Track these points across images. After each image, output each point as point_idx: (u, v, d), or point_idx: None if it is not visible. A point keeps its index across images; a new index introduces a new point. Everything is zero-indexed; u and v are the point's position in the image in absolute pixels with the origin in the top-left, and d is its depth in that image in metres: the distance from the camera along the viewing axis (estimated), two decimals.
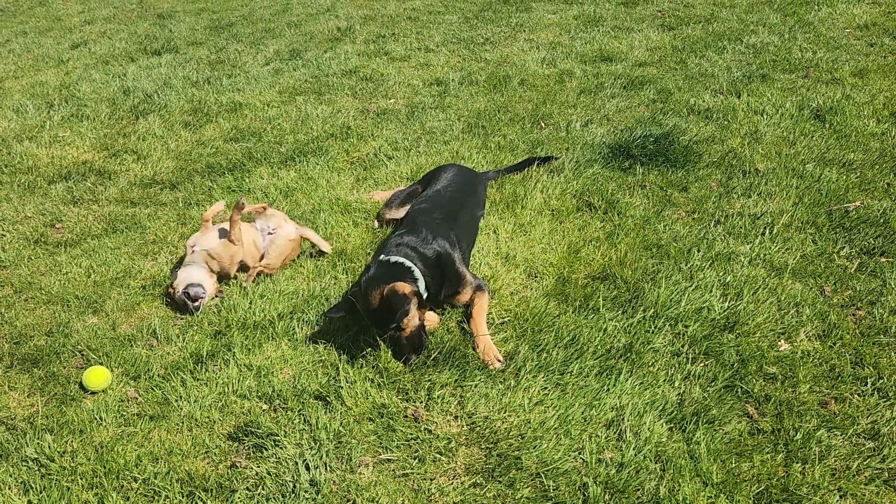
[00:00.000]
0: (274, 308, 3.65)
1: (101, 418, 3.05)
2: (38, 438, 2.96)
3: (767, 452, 2.68)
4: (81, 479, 2.77)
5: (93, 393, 3.22)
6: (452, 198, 4.02)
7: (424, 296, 3.31)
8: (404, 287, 3.17)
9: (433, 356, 3.21)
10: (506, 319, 3.44)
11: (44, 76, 7.94)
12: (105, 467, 2.80)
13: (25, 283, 4.08)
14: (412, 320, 3.16)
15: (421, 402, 3.00)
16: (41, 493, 2.73)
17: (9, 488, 2.76)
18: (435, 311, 3.52)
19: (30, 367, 3.41)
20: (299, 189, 4.84)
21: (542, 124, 5.54)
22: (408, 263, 3.36)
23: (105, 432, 2.99)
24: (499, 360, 3.17)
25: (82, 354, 3.47)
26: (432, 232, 3.61)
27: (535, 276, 3.77)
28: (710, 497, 2.54)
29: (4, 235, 4.61)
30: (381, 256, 3.43)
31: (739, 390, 2.96)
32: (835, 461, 2.62)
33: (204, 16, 10.31)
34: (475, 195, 4.20)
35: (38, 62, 8.57)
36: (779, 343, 3.18)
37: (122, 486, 2.74)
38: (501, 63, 7.00)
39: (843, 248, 3.75)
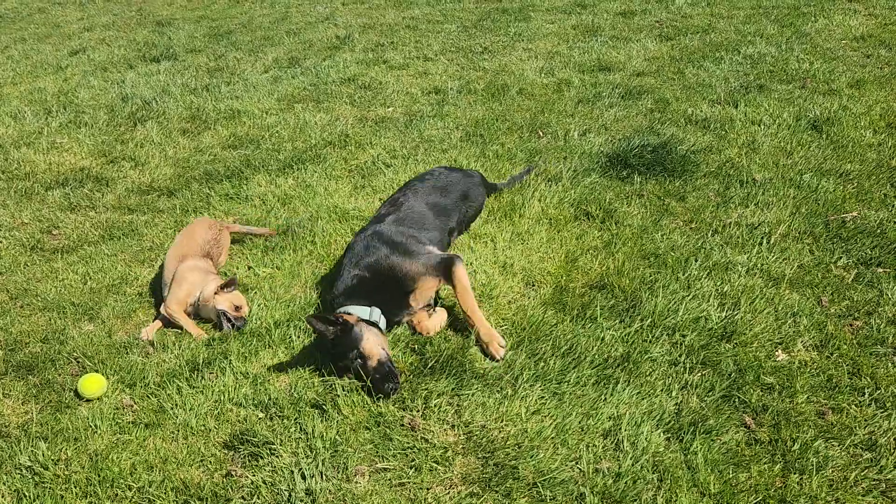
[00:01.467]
0: (271, 316, 3.64)
1: (95, 426, 3.04)
2: (32, 446, 2.94)
3: (765, 463, 2.67)
4: (75, 487, 2.75)
5: (88, 400, 3.20)
6: (400, 191, 4.09)
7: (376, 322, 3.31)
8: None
9: (430, 365, 3.20)
10: (503, 328, 3.43)
11: (42, 83, 7.94)
12: (99, 475, 2.78)
13: (21, 289, 4.07)
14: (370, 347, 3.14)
15: (417, 411, 2.98)
16: (34, 501, 2.71)
17: (2, 496, 2.74)
18: (430, 310, 3.53)
19: (25, 375, 3.39)
20: (297, 197, 4.84)
21: (541, 133, 5.55)
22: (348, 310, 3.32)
23: (100, 440, 2.97)
24: (501, 347, 3.20)
25: (78, 362, 3.45)
26: (365, 246, 3.56)
27: (533, 285, 3.76)
28: None
29: (1, 242, 4.60)
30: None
31: (737, 400, 2.95)
32: (832, 472, 2.61)
33: (203, 23, 10.33)
34: (430, 179, 4.16)
35: (37, 69, 8.57)
36: (776, 353, 3.17)
37: (117, 495, 2.72)
38: (500, 72, 7.02)
39: (841, 258, 3.76)
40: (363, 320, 3.25)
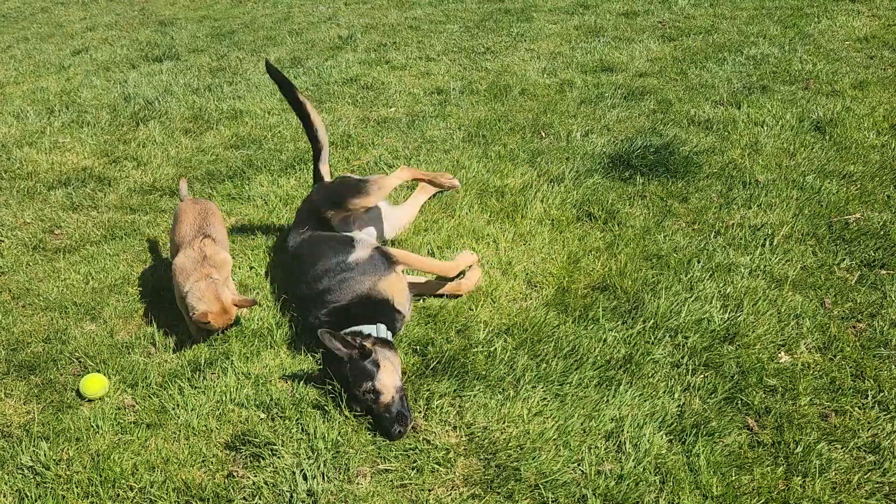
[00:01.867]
0: (273, 316, 3.64)
1: (97, 426, 3.04)
2: (33, 446, 2.94)
3: (768, 465, 2.67)
4: (77, 487, 2.75)
5: (90, 400, 3.20)
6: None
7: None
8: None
9: (431, 366, 3.20)
10: (505, 328, 3.43)
11: (45, 82, 7.95)
12: (101, 476, 2.78)
13: (23, 289, 4.07)
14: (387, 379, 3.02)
15: (419, 412, 2.98)
16: (36, 501, 2.71)
17: (3, 496, 2.74)
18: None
19: (27, 374, 3.39)
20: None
21: (543, 134, 5.54)
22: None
23: (101, 440, 2.97)
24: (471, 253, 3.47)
25: (80, 361, 3.45)
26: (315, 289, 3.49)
27: (535, 286, 3.76)
28: None
29: (3, 241, 4.60)
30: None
31: (739, 402, 2.94)
32: (835, 475, 2.60)
33: (205, 23, 10.34)
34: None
35: (40, 68, 8.58)
36: (779, 355, 3.17)
37: (118, 495, 2.72)
38: (502, 72, 7.02)
39: (844, 260, 3.75)
40: (379, 339, 3.15)
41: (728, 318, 3.37)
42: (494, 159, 5.15)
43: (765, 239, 3.95)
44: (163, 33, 9.83)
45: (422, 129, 5.82)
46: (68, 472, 2.82)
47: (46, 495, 2.73)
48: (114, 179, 5.38)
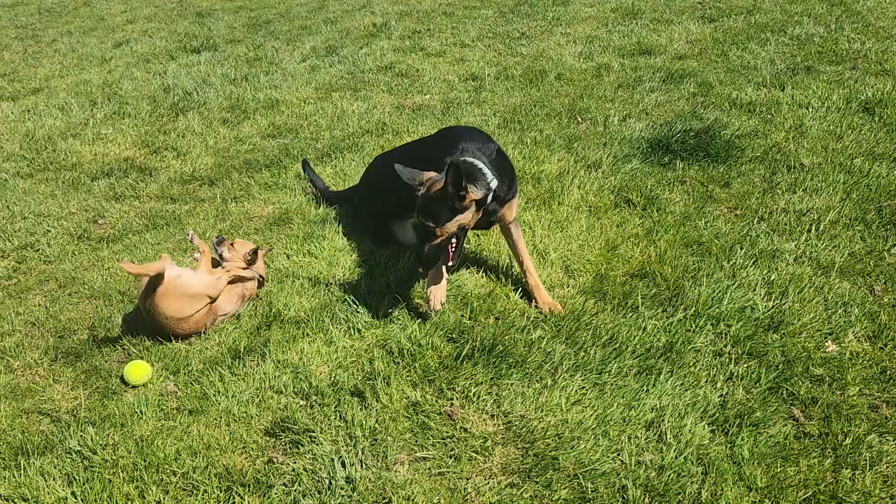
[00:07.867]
0: (308, 303, 3.66)
1: (141, 412, 3.10)
2: (80, 431, 3.02)
3: (815, 457, 2.60)
4: (122, 471, 2.81)
5: (133, 387, 3.27)
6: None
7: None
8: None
9: (465, 352, 3.18)
10: (542, 316, 3.40)
11: (87, 75, 8.10)
12: (145, 461, 2.83)
13: (69, 277, 4.17)
14: (450, 226, 3.18)
15: (457, 401, 2.97)
16: (84, 484, 2.78)
17: (53, 479, 2.82)
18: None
19: (73, 361, 3.48)
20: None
21: (580, 119, 5.46)
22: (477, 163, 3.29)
23: (145, 426, 3.03)
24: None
25: (123, 349, 3.52)
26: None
27: (572, 273, 3.71)
28: (755, 502, 2.47)
29: (49, 231, 4.72)
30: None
31: (784, 392, 2.87)
32: (887, 467, 2.53)
33: (242, 14, 10.42)
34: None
35: (83, 61, 8.75)
36: (826, 344, 3.08)
37: (162, 480, 2.77)
38: (537, 57, 6.93)
39: (894, 245, 3.62)
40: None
41: (772, 306, 3.29)
42: (530, 145, 5.09)
43: (811, 224, 3.84)
44: (201, 24, 9.94)
45: (457, 115, 5.78)
46: (114, 457, 2.88)
47: (94, 479, 2.79)
48: (154, 170, 5.47)
